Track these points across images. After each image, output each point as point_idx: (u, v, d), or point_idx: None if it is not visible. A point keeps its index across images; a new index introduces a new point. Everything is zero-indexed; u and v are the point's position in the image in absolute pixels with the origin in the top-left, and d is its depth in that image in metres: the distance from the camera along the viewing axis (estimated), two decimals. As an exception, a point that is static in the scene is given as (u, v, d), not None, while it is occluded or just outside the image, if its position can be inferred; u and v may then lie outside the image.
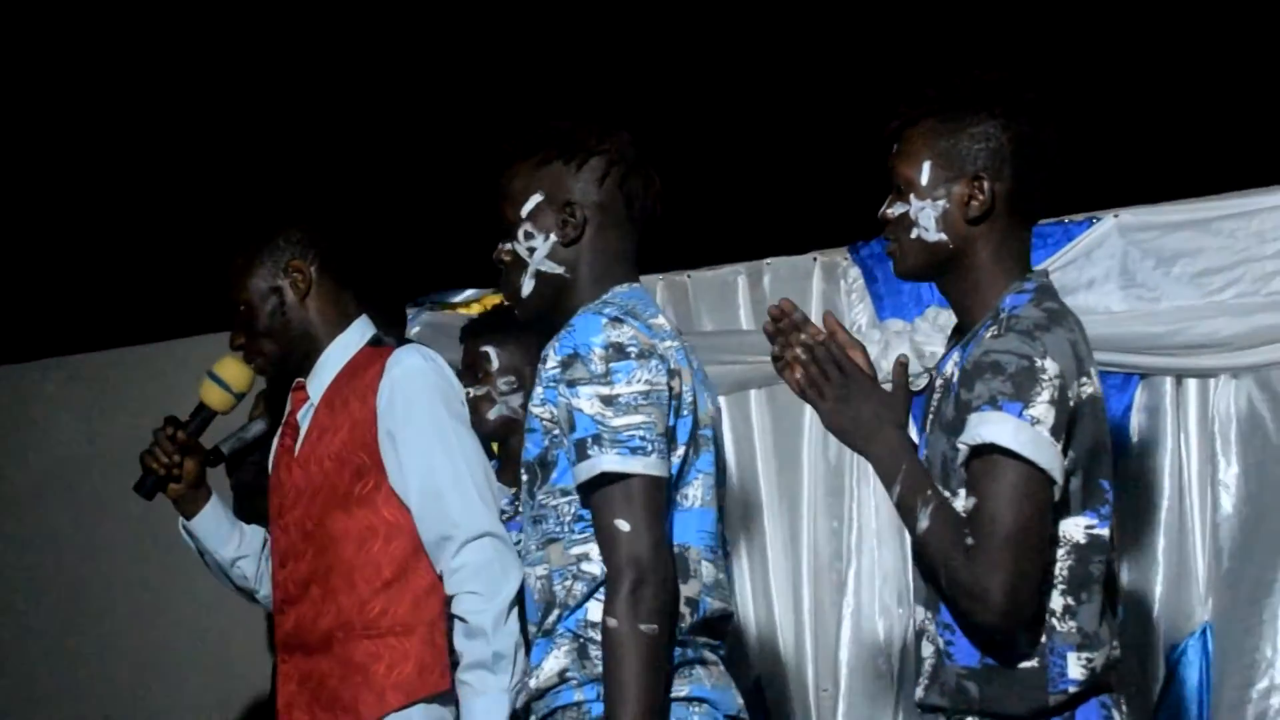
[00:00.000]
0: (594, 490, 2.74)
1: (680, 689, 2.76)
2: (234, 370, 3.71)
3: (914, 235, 2.83)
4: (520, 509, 3.04)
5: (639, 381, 2.75)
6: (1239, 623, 4.20)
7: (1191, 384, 4.27)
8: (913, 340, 4.52)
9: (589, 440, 2.73)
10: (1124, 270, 4.33)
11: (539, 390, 2.84)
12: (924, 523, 2.64)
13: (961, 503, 2.65)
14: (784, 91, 5.83)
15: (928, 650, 2.76)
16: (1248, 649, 4.18)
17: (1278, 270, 4.14)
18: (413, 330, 5.28)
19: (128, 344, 6.12)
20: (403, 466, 3.40)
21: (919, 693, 2.77)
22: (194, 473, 3.71)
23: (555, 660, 2.80)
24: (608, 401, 2.73)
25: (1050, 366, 2.61)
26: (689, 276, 4.95)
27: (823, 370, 2.80)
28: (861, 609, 4.73)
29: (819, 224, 5.13)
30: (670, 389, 2.79)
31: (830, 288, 4.85)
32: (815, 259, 4.88)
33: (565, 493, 2.80)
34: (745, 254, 5.01)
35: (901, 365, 2.87)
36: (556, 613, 2.80)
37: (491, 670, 3.26)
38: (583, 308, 2.89)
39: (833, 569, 4.76)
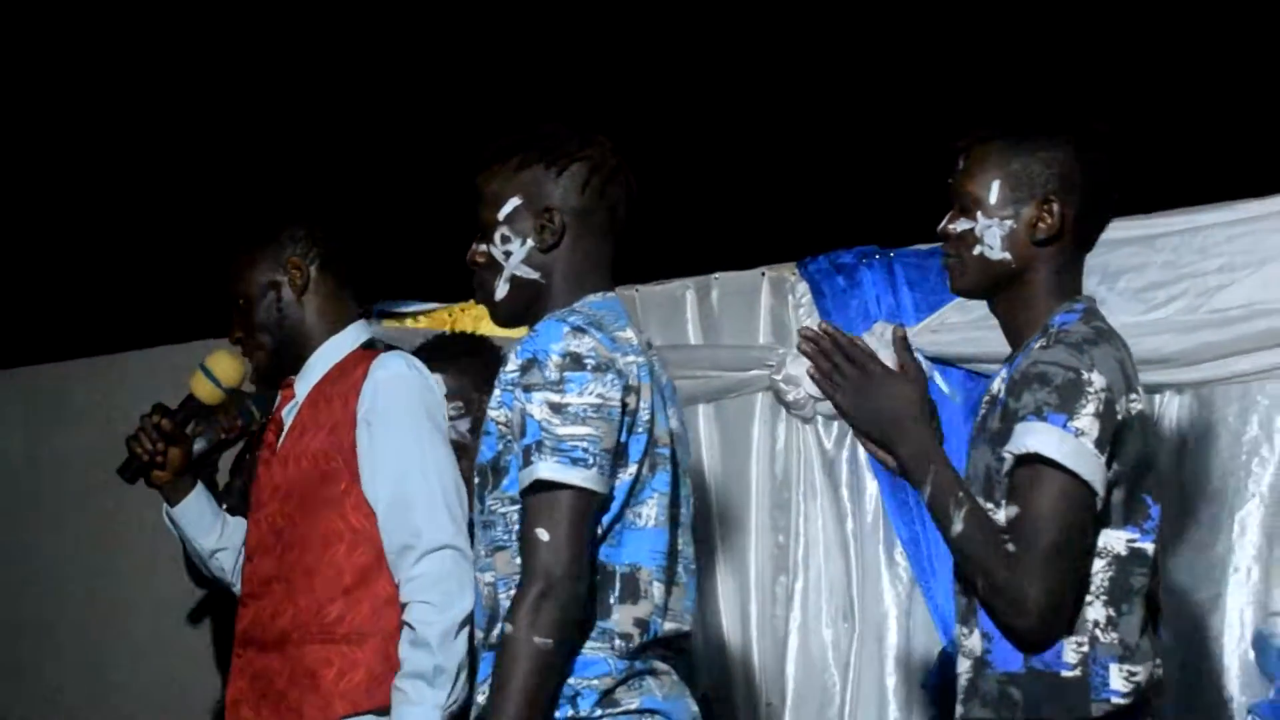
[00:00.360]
0: (528, 496, 2.72)
1: (630, 701, 2.74)
2: (225, 365, 3.72)
3: (977, 252, 2.84)
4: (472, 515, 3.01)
5: (590, 394, 2.72)
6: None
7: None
8: (860, 355, 4.53)
9: (533, 447, 2.71)
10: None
11: (497, 393, 2.82)
12: (958, 526, 2.67)
13: (1002, 514, 2.68)
14: (733, 107, 5.85)
15: (964, 666, 2.78)
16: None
17: (1220, 286, 4.17)
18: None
19: (70, 357, 6.08)
20: (375, 472, 3.37)
21: (959, 710, 2.79)
22: (178, 461, 3.72)
23: None
24: (556, 409, 2.71)
25: (1097, 380, 2.65)
26: (637, 291, 4.95)
27: (834, 364, 2.84)
28: (808, 623, 4.74)
29: (767, 239, 5.14)
30: (624, 405, 2.76)
31: (778, 303, 4.86)
32: (763, 274, 4.89)
33: (514, 500, 2.78)
34: (694, 269, 5.02)
35: (901, 339, 2.91)
36: (501, 624, 2.75)
37: (430, 683, 3.23)
38: (550, 314, 2.86)
39: (779, 583, 4.77)
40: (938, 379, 4.48)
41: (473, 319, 5.29)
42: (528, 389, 2.74)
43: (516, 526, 2.77)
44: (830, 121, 5.77)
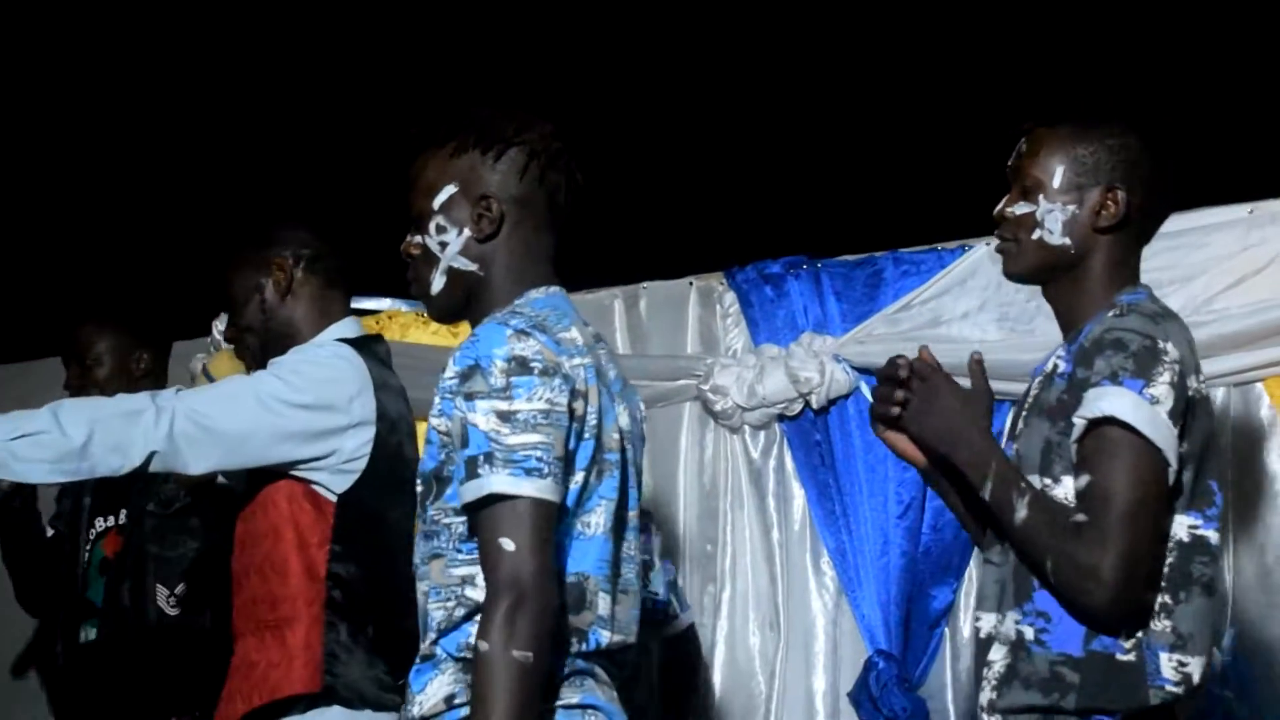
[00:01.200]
0: (480, 509, 2.56)
1: (571, 696, 2.63)
2: (226, 367, 3.72)
3: (1036, 236, 2.79)
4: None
5: (539, 399, 2.57)
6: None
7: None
8: (787, 365, 4.55)
9: (480, 459, 2.55)
10: (999, 302, 4.36)
11: (436, 401, 2.66)
12: (1021, 513, 2.59)
13: (1064, 489, 2.62)
14: (662, 117, 5.85)
15: (999, 653, 2.67)
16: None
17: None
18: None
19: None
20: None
21: (988, 696, 2.68)
22: None
23: (440, 685, 2.64)
24: (504, 418, 2.56)
25: (1171, 350, 2.59)
26: (565, 299, 4.93)
27: (895, 381, 2.81)
28: (735, 631, 4.74)
29: (695, 249, 5.15)
30: (571, 411, 2.62)
31: (706, 312, 4.86)
32: (691, 283, 4.90)
33: (459, 511, 2.62)
34: (621, 278, 5.01)
35: (978, 363, 2.87)
36: (434, 635, 2.66)
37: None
38: (490, 315, 2.72)
39: (706, 592, 4.77)
40: (864, 389, 4.50)
41: (400, 326, 5.27)
42: (469, 397, 2.59)
43: (461, 537, 2.64)
44: (759, 132, 5.79)
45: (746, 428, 4.74)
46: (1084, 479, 2.57)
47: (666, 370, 4.79)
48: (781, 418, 4.66)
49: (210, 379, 3.69)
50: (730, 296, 4.82)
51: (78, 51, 6.02)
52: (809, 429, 4.62)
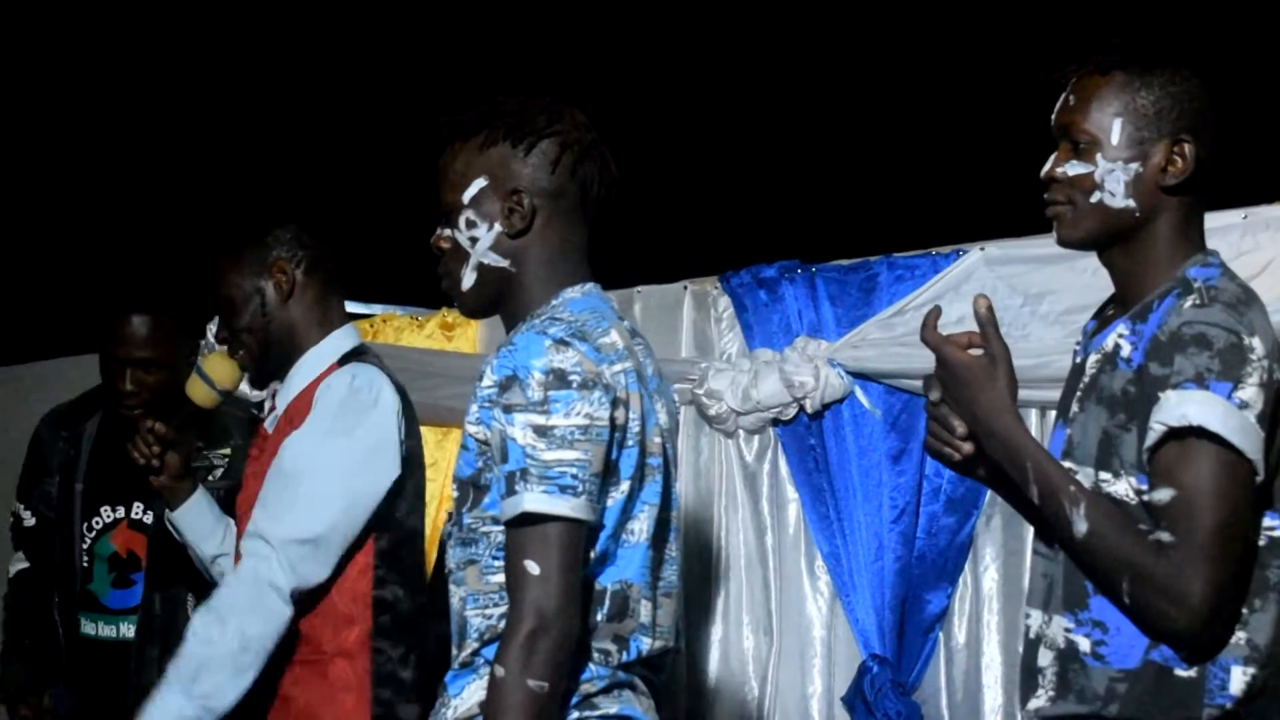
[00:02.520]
0: (512, 527, 2.53)
1: (609, 707, 2.60)
2: (221, 367, 3.64)
3: (1095, 199, 2.52)
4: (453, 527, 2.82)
5: (578, 414, 2.52)
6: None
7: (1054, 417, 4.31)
8: (782, 370, 4.55)
9: (517, 474, 2.51)
10: (995, 309, 4.35)
11: (474, 408, 2.60)
12: (1081, 525, 2.38)
13: (1124, 486, 2.43)
14: (656, 122, 5.86)
15: (1047, 658, 2.51)
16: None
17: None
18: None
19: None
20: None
21: (1039, 703, 2.52)
22: (176, 466, 3.63)
23: (476, 690, 2.60)
24: (541, 433, 2.51)
25: (1258, 346, 2.36)
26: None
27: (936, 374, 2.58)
28: (729, 636, 4.74)
29: (690, 253, 5.15)
30: (613, 422, 2.56)
31: (700, 316, 4.86)
32: (686, 287, 4.90)
33: (496, 520, 2.59)
34: (616, 282, 5.00)
35: (987, 310, 2.57)
36: (475, 643, 2.62)
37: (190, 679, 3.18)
38: (528, 322, 2.65)
39: (704, 596, 4.77)
40: (859, 394, 4.50)
41: (395, 330, 5.27)
42: (508, 409, 2.53)
43: (499, 546, 2.59)
44: (754, 138, 5.80)
45: (741, 432, 4.74)
46: (1167, 493, 2.35)
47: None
48: (776, 422, 4.65)
49: (204, 379, 3.65)
50: (725, 301, 4.81)
51: (59, 56, 6.01)
52: (803, 433, 4.62)
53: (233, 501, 3.67)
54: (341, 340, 3.50)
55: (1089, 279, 4.17)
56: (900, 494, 4.48)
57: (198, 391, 3.69)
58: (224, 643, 3.18)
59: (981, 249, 4.43)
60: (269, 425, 3.50)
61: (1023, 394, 4.16)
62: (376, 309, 5.33)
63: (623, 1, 5.76)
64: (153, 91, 6.07)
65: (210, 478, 4.11)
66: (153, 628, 4.12)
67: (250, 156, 6.04)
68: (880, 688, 4.39)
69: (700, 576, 4.79)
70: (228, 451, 4.26)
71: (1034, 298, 4.31)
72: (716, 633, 4.75)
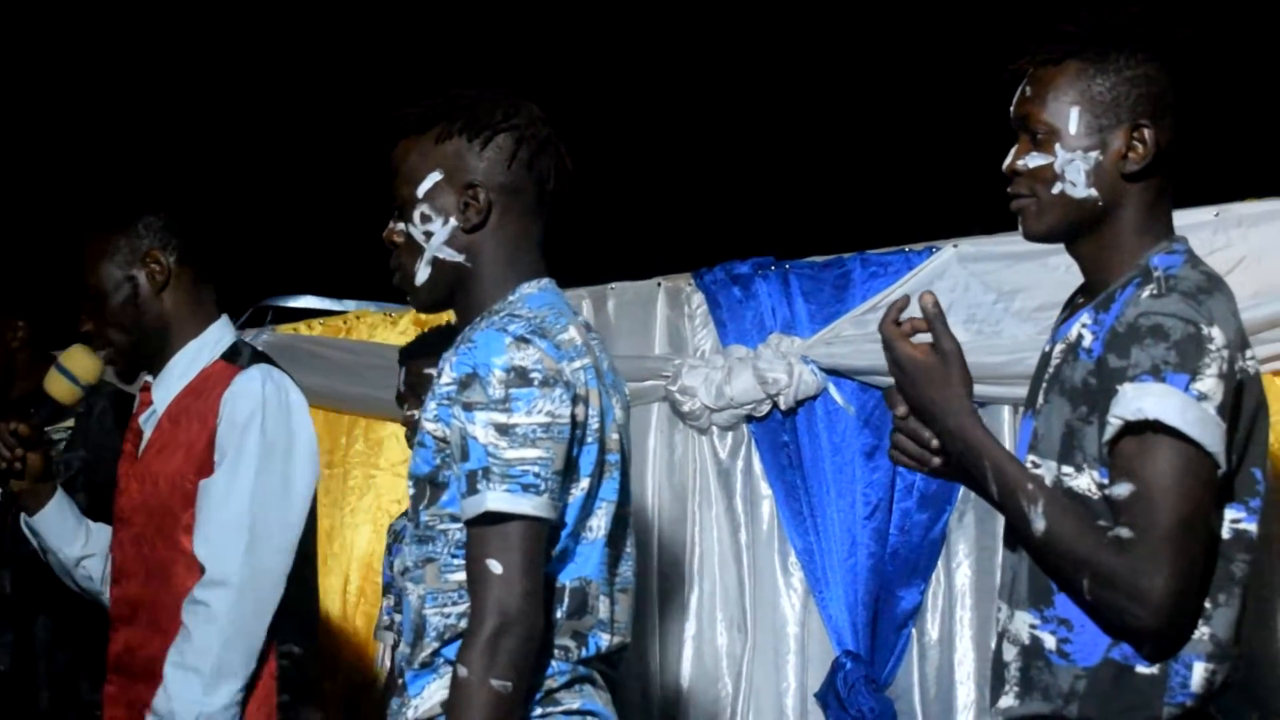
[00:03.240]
0: (473, 526, 2.52)
1: (572, 702, 2.60)
2: (81, 361, 3.47)
3: (1057, 190, 2.49)
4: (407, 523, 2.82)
5: (540, 412, 2.51)
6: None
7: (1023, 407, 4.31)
8: (755, 366, 4.55)
9: (479, 473, 2.49)
10: (967, 304, 4.37)
11: (431, 405, 2.60)
12: (1040, 523, 2.35)
13: (1086, 480, 2.40)
14: (629, 117, 5.85)
15: (1011, 654, 2.48)
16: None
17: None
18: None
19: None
20: (211, 497, 3.25)
21: (1008, 701, 2.49)
22: (37, 467, 3.47)
23: (438, 689, 2.59)
24: (503, 431, 2.49)
25: (1217, 335, 2.31)
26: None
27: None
28: (702, 632, 4.74)
29: (663, 249, 5.14)
30: (574, 419, 2.55)
31: (674, 313, 4.86)
32: (660, 284, 4.89)
33: (455, 518, 2.58)
34: (589, 278, 5.01)
35: (933, 305, 2.51)
36: (434, 643, 2.61)
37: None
38: (487, 319, 2.63)
39: (678, 593, 4.77)
40: (832, 391, 4.51)
41: (368, 327, 5.26)
42: (469, 407, 2.52)
43: (459, 544, 2.58)
44: (727, 133, 5.79)
45: (714, 428, 4.74)
46: (1125, 488, 2.32)
47: (634, 371, 4.78)
48: (749, 419, 4.66)
49: (66, 374, 3.48)
50: (698, 297, 4.81)
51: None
52: (777, 430, 4.62)
53: (83, 474, 3.59)
54: (221, 333, 3.42)
55: (1062, 275, 4.16)
56: (874, 490, 4.48)
57: (58, 387, 3.50)
58: (206, 700, 3.17)
59: (954, 246, 4.44)
60: (146, 423, 3.41)
61: (996, 390, 4.22)
62: (349, 305, 5.31)
63: (591, 3, 5.76)
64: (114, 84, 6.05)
65: (53, 452, 3.88)
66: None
67: (217, 151, 6.01)
68: (853, 684, 4.39)
69: (674, 573, 4.78)
70: (70, 423, 4.13)
71: (1007, 294, 4.32)
72: (690, 629, 4.75)
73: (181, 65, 6.00)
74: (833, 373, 4.51)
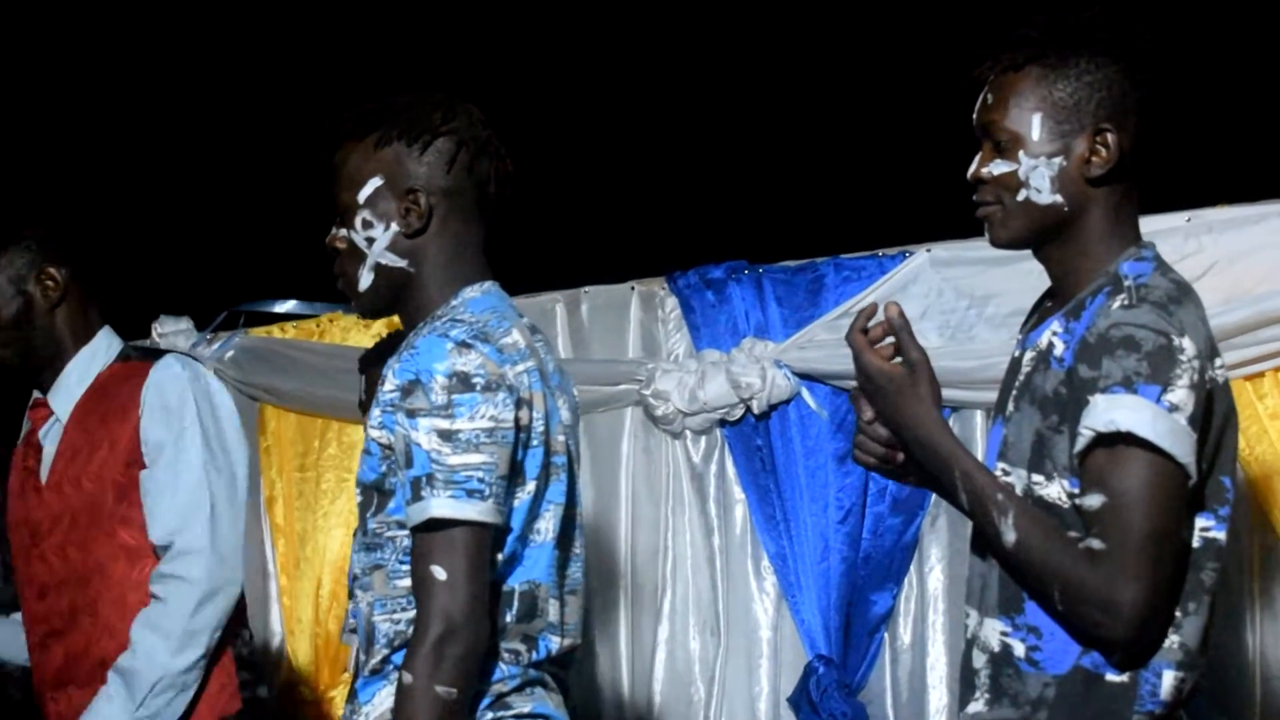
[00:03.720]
0: (418, 532, 2.51)
1: (523, 705, 2.60)
2: None
3: (1022, 197, 2.48)
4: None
5: (483, 417, 2.50)
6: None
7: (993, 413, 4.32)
8: (729, 370, 4.55)
9: (423, 480, 2.49)
10: (940, 309, 4.37)
11: (376, 412, 2.59)
12: (1010, 535, 2.34)
13: (1056, 488, 2.39)
14: (603, 120, 5.85)
15: (980, 660, 2.49)
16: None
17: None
18: (227, 355, 5.19)
19: None
20: (148, 483, 3.27)
21: (977, 707, 2.49)
22: None
23: (388, 697, 2.57)
24: (446, 437, 2.49)
25: (1188, 346, 2.30)
26: (507, 303, 4.91)
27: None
28: (675, 636, 4.74)
29: (637, 253, 5.14)
30: (517, 423, 2.55)
31: (648, 317, 4.86)
32: (633, 288, 4.89)
33: (402, 525, 2.57)
34: (563, 282, 5.00)
35: (898, 315, 2.52)
36: (384, 649, 2.61)
37: (128, 683, 3.19)
38: (429, 324, 2.64)
39: (651, 597, 4.76)
40: (805, 395, 4.51)
41: (341, 330, 5.25)
42: (412, 414, 2.51)
43: (406, 550, 2.58)
44: (700, 137, 5.79)
45: (688, 433, 4.74)
46: (1097, 499, 2.32)
47: (608, 375, 4.78)
48: (723, 423, 4.66)
49: None
50: (672, 301, 4.81)
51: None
52: (750, 434, 4.62)
53: None
54: (109, 339, 3.45)
55: (1035, 281, 4.16)
56: (846, 495, 4.48)
57: None
58: (172, 663, 3.18)
59: (928, 250, 4.45)
60: (46, 436, 3.40)
61: (969, 395, 4.23)
62: (322, 309, 5.30)
63: (568, 3, 5.75)
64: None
65: None
66: None
67: (185, 156, 5.99)
68: (826, 688, 4.39)
69: (647, 577, 4.78)
70: None
71: (980, 299, 4.32)
72: (663, 633, 4.74)
73: (156, 68, 5.98)
74: (806, 377, 4.52)
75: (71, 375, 3.38)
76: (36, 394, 3.44)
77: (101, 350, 3.41)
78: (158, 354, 3.46)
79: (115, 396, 3.34)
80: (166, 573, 3.21)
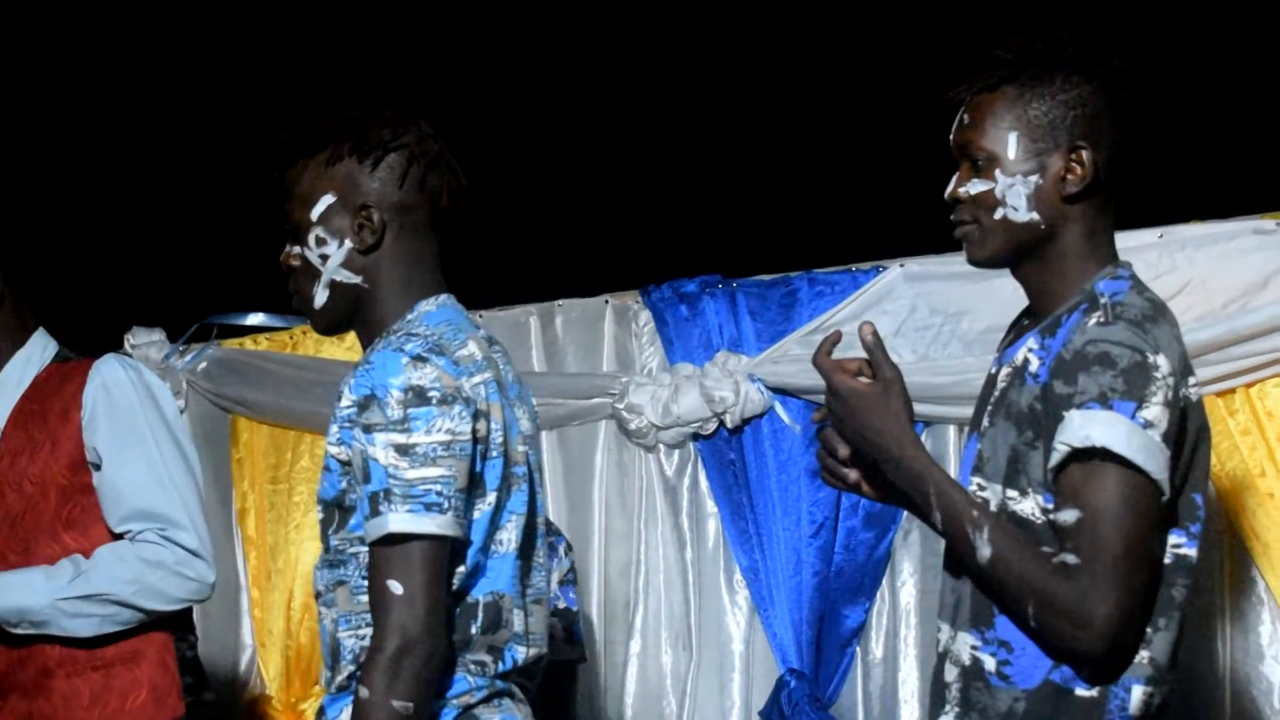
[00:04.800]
0: (376, 547, 2.50)
1: (491, 717, 2.59)
2: None
3: (999, 216, 2.50)
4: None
5: (439, 431, 2.49)
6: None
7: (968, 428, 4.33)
8: (702, 384, 4.56)
9: (381, 495, 2.48)
10: (913, 324, 4.39)
11: (334, 428, 2.56)
12: (985, 550, 2.35)
13: (1031, 504, 2.40)
14: (578, 135, 5.85)
15: (952, 674, 2.50)
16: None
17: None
18: (200, 367, 5.19)
19: None
20: (111, 481, 3.24)
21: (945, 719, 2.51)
22: None
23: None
24: (403, 451, 2.47)
25: (1163, 364, 2.32)
26: (481, 316, 4.91)
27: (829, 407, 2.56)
28: (647, 650, 4.74)
29: (611, 267, 5.15)
30: (475, 435, 2.53)
31: (622, 331, 4.86)
32: (607, 301, 4.90)
33: (363, 540, 2.54)
34: (537, 295, 5.01)
35: (872, 334, 2.54)
36: (350, 665, 2.60)
37: (83, 580, 3.17)
38: (385, 339, 2.61)
39: (623, 610, 4.77)
40: (778, 409, 4.52)
41: (314, 342, 5.24)
42: (368, 429, 2.49)
43: (365, 567, 2.56)
44: (674, 152, 5.80)
45: (661, 446, 4.74)
46: (1072, 514, 2.32)
47: (582, 388, 4.79)
48: (696, 436, 4.66)
49: None
50: (646, 315, 4.82)
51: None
52: (723, 448, 4.63)
53: None
54: (45, 340, 3.43)
55: (1010, 296, 4.18)
56: (819, 509, 4.49)
57: None
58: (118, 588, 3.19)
59: (901, 265, 4.46)
60: None
61: (940, 410, 4.24)
62: (295, 322, 5.29)
63: (546, 16, 5.76)
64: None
65: None
66: None
67: (157, 167, 5.98)
68: (797, 702, 4.40)
69: (619, 591, 4.78)
70: None
71: (953, 315, 4.34)
72: (635, 646, 4.75)
73: (125, 82, 5.97)
74: (779, 391, 4.52)
75: (9, 378, 3.37)
76: None
77: (37, 352, 3.40)
78: (94, 355, 3.44)
79: (55, 397, 3.31)
80: (157, 530, 3.22)
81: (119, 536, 3.26)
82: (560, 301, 4.97)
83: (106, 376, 3.29)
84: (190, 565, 3.22)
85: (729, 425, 4.58)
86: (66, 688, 3.22)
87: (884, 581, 4.48)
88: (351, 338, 5.07)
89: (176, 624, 3.34)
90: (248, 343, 5.35)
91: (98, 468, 3.26)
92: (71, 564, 3.19)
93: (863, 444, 2.53)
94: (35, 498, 3.25)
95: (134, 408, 3.27)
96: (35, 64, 5.97)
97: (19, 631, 3.17)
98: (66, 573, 3.18)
